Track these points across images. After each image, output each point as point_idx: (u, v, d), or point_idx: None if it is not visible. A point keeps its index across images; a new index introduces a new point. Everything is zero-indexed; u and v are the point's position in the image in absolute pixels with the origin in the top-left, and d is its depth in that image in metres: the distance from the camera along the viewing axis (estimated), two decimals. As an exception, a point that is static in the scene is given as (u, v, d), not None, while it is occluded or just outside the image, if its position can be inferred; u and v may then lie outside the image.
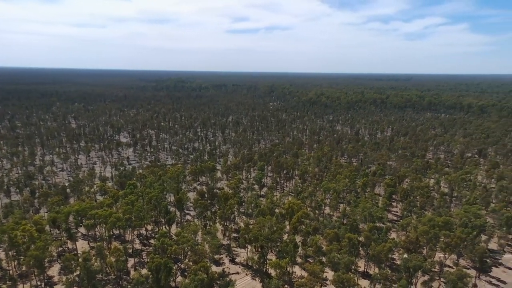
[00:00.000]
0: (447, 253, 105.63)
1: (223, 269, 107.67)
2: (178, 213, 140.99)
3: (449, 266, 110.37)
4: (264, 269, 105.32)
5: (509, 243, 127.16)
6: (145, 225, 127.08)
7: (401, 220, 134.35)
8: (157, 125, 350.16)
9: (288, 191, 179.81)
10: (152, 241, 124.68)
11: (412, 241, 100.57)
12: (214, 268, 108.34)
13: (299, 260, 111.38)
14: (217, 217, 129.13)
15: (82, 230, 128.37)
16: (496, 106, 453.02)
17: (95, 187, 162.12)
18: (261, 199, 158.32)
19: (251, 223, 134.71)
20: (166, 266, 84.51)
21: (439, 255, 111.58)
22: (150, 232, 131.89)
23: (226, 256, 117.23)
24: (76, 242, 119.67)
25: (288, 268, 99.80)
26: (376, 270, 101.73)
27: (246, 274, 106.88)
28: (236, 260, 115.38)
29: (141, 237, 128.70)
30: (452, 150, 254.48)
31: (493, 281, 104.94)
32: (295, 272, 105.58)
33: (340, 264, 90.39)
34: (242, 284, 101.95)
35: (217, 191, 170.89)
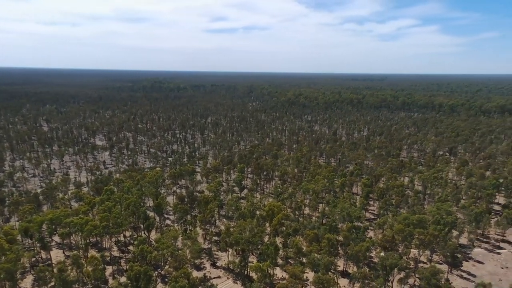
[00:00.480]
0: (421, 250, 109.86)
1: (204, 274, 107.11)
2: (157, 218, 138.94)
3: (424, 262, 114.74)
4: (246, 272, 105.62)
5: (478, 237, 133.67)
6: (123, 232, 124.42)
7: (378, 219, 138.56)
8: (134, 127, 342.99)
9: (268, 193, 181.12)
10: (131, 247, 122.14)
11: (389, 240, 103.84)
12: (195, 273, 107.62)
13: (280, 261, 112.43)
14: (198, 221, 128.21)
15: (57, 238, 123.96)
16: (465, 105, 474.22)
17: (69, 194, 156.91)
18: (242, 201, 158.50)
19: (232, 225, 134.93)
20: (146, 274, 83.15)
21: (414, 252, 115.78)
22: (128, 239, 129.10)
23: (207, 260, 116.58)
24: (50, 252, 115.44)
25: (269, 271, 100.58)
26: (355, 268, 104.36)
27: (227, 278, 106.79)
28: (218, 264, 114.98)
29: (119, 244, 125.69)
30: (425, 149, 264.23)
31: (464, 275, 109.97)
32: (276, 275, 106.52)
33: (320, 265, 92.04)
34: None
35: (197, 194, 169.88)
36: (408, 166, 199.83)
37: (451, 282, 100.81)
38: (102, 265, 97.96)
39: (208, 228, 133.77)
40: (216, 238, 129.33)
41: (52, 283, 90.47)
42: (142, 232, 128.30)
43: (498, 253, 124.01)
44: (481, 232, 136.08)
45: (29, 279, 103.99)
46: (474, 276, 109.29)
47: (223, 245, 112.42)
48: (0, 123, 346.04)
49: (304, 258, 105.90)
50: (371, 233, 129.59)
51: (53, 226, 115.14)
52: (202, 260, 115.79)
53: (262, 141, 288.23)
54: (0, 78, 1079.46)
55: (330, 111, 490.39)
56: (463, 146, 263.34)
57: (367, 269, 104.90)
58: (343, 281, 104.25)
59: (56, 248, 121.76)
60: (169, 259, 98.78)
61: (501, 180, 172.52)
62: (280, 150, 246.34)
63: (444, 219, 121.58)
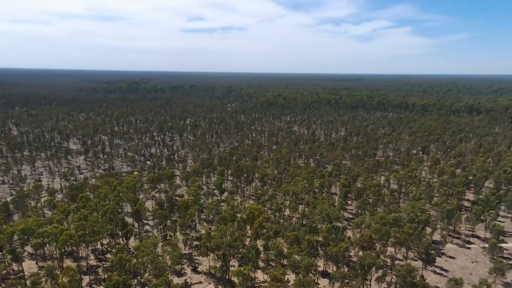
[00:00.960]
0: (397, 248, 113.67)
1: (185, 280, 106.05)
2: (136, 225, 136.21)
3: (400, 259, 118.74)
4: (227, 277, 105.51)
5: (450, 233, 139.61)
6: (101, 240, 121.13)
7: (356, 218, 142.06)
8: (110, 130, 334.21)
9: (249, 195, 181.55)
10: (108, 255, 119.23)
11: (366, 239, 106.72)
12: (175, 280, 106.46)
13: (261, 264, 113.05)
14: (178, 226, 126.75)
15: (29, 249, 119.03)
16: (436, 105, 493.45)
17: (42, 202, 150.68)
18: (222, 204, 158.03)
19: (213, 229, 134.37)
20: (125, 284, 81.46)
21: (390, 250, 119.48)
22: (106, 246, 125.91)
23: (188, 266, 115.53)
24: (23, 263, 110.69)
25: (250, 274, 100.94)
26: (335, 268, 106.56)
27: (209, 283, 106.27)
28: (199, 269, 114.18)
29: (96, 252, 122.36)
30: (399, 148, 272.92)
31: (437, 270, 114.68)
32: (257, 278, 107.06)
33: (301, 267, 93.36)
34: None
35: (177, 198, 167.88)
36: (384, 166, 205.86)
37: (426, 278, 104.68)
38: (79, 275, 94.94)
39: (188, 232, 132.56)
40: (196, 242, 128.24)
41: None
42: (120, 239, 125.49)
43: (469, 248, 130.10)
44: (453, 228, 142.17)
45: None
46: (446, 271, 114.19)
47: (204, 250, 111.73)
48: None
49: (285, 260, 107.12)
50: (349, 233, 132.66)
51: (25, 237, 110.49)
52: (183, 266, 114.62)
53: (242, 143, 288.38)
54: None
55: (308, 112, 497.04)
56: (435, 145, 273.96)
57: (347, 269, 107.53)
58: (323, 281, 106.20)
59: (29, 259, 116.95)
60: (149, 266, 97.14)
61: (470, 178, 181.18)
62: (260, 152, 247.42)
63: (418, 217, 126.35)
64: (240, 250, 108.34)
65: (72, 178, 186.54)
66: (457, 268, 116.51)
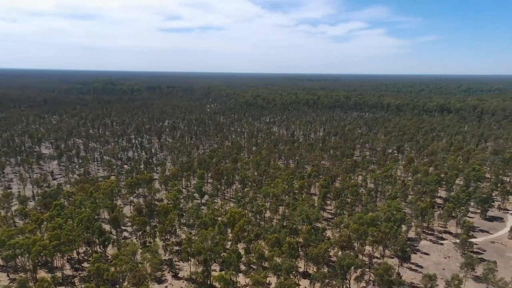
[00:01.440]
0: (375, 247, 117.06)
1: (166, 286, 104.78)
2: (114, 231, 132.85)
3: (377, 258, 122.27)
4: (209, 282, 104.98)
5: (424, 230, 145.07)
6: (77, 248, 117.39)
7: (335, 218, 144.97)
8: (85, 133, 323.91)
9: (229, 197, 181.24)
10: (85, 264, 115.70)
11: (345, 240, 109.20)
12: (156, 287, 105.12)
13: (243, 267, 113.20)
14: (157, 232, 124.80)
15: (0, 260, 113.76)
16: (410, 105, 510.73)
17: (13, 210, 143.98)
18: (203, 207, 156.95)
19: (193, 234, 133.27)
20: (103, 294, 79.39)
21: (368, 249, 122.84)
22: (82, 255, 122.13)
23: (169, 272, 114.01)
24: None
25: (232, 278, 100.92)
26: (315, 269, 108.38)
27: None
28: (179, 275, 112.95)
29: (72, 262, 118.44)
30: (376, 148, 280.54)
31: (413, 267, 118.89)
32: (239, 282, 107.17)
33: (282, 269, 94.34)
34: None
35: (156, 203, 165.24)
36: (361, 166, 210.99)
37: (402, 275, 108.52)
38: (54, 287, 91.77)
39: (168, 238, 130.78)
40: (177, 248, 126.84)
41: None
42: (97, 246, 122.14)
43: (441, 244, 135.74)
44: (427, 225, 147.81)
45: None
46: (421, 267, 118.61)
47: (185, 256, 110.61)
48: None
49: (266, 263, 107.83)
50: (329, 233, 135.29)
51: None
52: (163, 272, 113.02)
53: (222, 145, 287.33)
54: None
55: (287, 112, 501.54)
56: (409, 144, 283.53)
57: (327, 269, 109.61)
58: (304, 282, 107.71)
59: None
60: (128, 275, 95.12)
61: (442, 176, 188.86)
62: (240, 154, 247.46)
63: (394, 216, 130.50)
64: (222, 254, 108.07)
65: (45, 185, 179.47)
66: (431, 264, 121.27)
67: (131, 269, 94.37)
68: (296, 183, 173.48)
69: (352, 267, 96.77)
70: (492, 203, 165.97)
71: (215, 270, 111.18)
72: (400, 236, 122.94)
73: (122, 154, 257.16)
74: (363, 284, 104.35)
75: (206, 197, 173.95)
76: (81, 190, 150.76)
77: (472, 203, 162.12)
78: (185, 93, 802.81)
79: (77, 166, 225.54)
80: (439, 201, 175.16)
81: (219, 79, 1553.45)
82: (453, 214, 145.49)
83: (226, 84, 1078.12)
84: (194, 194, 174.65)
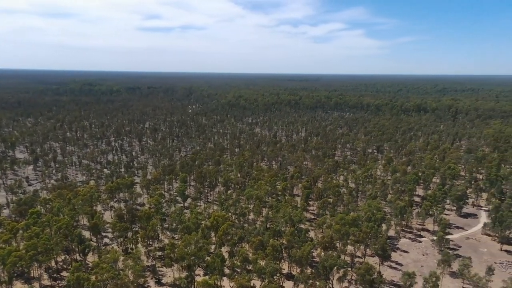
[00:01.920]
0: (356, 247, 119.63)
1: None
2: (94, 238, 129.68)
3: (359, 257, 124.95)
4: (193, 287, 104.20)
5: (403, 229, 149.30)
6: (55, 257, 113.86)
7: (318, 218, 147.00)
8: (62, 136, 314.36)
9: (212, 200, 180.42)
10: (64, 273, 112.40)
11: (328, 241, 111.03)
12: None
13: (227, 271, 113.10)
14: (139, 238, 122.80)
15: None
16: (388, 105, 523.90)
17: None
18: (186, 211, 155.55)
19: (176, 238, 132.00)
20: (84, 305, 77.48)
21: (350, 248, 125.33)
22: (61, 264, 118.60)
23: (151, 278, 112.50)
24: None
25: (216, 283, 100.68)
26: (299, 270, 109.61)
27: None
28: (163, 281, 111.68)
29: (50, 271, 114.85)
30: (356, 148, 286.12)
31: (393, 265, 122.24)
32: (223, 286, 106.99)
33: (266, 273, 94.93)
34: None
35: (138, 207, 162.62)
36: (342, 166, 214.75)
37: (382, 274, 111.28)
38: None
39: (150, 243, 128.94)
40: (160, 253, 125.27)
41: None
42: (77, 254, 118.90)
43: (420, 241, 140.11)
44: (405, 224, 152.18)
45: None
46: (401, 265, 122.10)
47: (168, 261, 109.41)
48: None
49: (250, 266, 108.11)
50: (312, 233, 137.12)
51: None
52: (146, 279, 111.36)
53: (204, 147, 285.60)
54: None
55: (269, 113, 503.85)
56: (388, 144, 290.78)
57: (310, 270, 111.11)
58: (288, 284, 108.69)
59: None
60: (110, 284, 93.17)
61: (419, 174, 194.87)
62: (223, 155, 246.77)
63: (374, 215, 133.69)
64: (205, 259, 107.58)
65: (20, 191, 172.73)
66: (410, 261, 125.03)
67: (113, 278, 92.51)
68: (279, 185, 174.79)
69: (335, 268, 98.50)
70: (467, 200, 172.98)
71: (199, 275, 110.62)
72: (381, 235, 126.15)
73: (102, 158, 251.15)
74: (345, 284, 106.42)
75: (189, 200, 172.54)
76: (59, 197, 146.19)
77: (448, 201, 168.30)
78: (166, 94, 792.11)
79: (54, 171, 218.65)
80: (417, 199, 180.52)
81: (201, 79, 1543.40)
82: (430, 212, 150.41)
83: (208, 84, 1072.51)
84: (177, 198, 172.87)
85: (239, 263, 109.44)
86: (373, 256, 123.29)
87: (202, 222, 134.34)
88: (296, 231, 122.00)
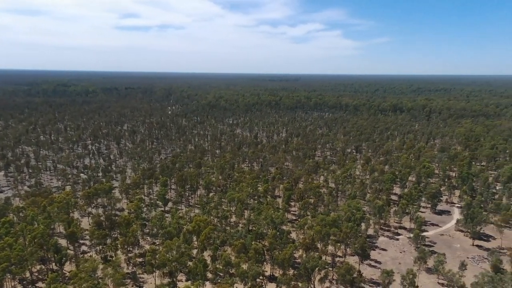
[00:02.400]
0: (337, 247, 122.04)
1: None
2: (71, 246, 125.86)
3: (340, 256, 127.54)
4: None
5: (381, 227, 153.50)
6: (30, 268, 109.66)
7: (299, 220, 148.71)
8: (35, 139, 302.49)
9: (194, 203, 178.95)
10: (40, 284, 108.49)
11: (309, 242, 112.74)
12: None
13: (209, 275, 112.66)
14: (119, 245, 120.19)
15: None
16: (366, 105, 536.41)
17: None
18: (167, 215, 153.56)
19: (157, 244, 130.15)
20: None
21: (331, 248, 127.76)
22: (36, 274, 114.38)
23: (132, 286, 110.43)
24: None
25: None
26: (281, 272, 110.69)
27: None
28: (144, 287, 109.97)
29: (24, 282, 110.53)
30: (336, 148, 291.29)
31: (372, 263, 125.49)
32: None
33: (249, 276, 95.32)
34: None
35: (117, 213, 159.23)
36: (322, 166, 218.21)
37: (362, 273, 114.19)
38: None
39: (131, 250, 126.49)
40: (140, 259, 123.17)
41: None
42: (53, 264, 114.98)
43: (397, 239, 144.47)
44: (384, 222, 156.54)
45: None
46: (380, 263, 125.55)
47: (149, 268, 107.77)
48: None
49: (233, 269, 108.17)
50: (293, 234, 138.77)
51: None
52: (127, 286, 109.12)
53: (184, 149, 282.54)
54: None
55: (250, 113, 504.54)
56: (366, 144, 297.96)
57: (292, 271, 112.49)
58: (271, 286, 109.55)
59: None
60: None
61: (396, 173, 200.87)
62: (204, 157, 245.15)
63: (354, 215, 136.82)
64: (188, 264, 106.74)
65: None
66: (388, 259, 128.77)
67: (92, 287, 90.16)
68: (260, 187, 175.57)
69: (316, 269, 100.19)
70: (441, 198, 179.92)
71: (181, 281, 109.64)
72: (360, 235, 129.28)
73: (78, 162, 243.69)
74: (327, 284, 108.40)
75: (170, 204, 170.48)
76: (33, 204, 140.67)
77: (423, 199, 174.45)
78: (144, 94, 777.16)
79: (27, 177, 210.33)
80: (394, 198, 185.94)
81: (180, 79, 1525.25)
82: (407, 211, 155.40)
83: (188, 84, 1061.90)
84: (157, 202, 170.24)
85: (221, 267, 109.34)
86: (353, 255, 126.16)
87: (184, 226, 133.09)
88: (278, 233, 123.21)
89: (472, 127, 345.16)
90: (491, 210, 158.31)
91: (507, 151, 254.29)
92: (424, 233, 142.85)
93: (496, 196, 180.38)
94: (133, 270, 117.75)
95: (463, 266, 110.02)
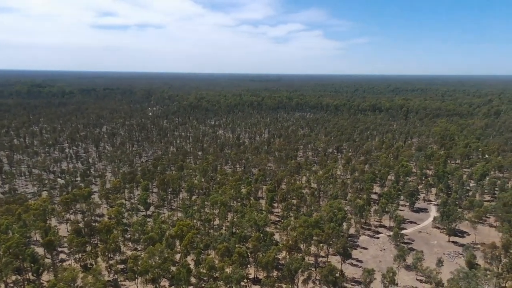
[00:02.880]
0: (319, 247, 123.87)
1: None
2: (49, 255, 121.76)
3: (322, 256, 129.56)
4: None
5: (362, 226, 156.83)
6: (5, 279, 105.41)
7: (283, 221, 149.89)
8: (9, 143, 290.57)
9: (176, 207, 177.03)
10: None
11: (292, 244, 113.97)
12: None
13: (193, 280, 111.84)
14: (99, 252, 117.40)
15: None
16: (346, 105, 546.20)
17: None
18: (149, 219, 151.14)
19: (139, 249, 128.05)
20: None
21: (313, 249, 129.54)
22: (11, 286, 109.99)
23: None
24: None
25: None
26: (265, 274, 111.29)
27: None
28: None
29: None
30: (317, 148, 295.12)
31: (354, 262, 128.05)
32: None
33: (233, 280, 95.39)
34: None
35: (97, 218, 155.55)
36: (304, 167, 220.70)
37: (344, 272, 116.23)
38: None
39: (112, 256, 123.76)
40: (122, 266, 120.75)
41: None
42: (30, 274, 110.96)
43: (378, 238, 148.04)
44: (364, 221, 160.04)
45: None
46: (361, 261, 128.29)
47: (131, 275, 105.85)
48: None
49: (217, 273, 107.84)
50: (277, 236, 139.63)
51: None
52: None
53: (166, 151, 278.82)
54: None
55: (232, 114, 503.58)
56: (347, 144, 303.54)
57: (276, 272, 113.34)
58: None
59: None
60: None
61: (376, 173, 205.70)
62: (186, 160, 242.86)
63: (336, 215, 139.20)
64: (171, 270, 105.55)
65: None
66: (369, 257, 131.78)
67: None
68: (244, 189, 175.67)
69: (300, 270, 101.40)
70: (418, 196, 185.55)
71: (164, 287, 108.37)
72: (342, 234, 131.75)
73: (55, 166, 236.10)
74: (310, 285, 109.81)
75: (152, 208, 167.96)
76: (7, 212, 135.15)
77: (402, 197, 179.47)
78: (124, 95, 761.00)
79: (0, 183, 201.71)
80: (374, 197, 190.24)
81: (161, 79, 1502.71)
82: (386, 209, 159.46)
83: (168, 85, 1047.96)
84: (139, 206, 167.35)
85: (205, 272, 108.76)
86: (336, 255, 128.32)
87: (167, 231, 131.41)
88: (262, 235, 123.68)
89: (447, 126, 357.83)
90: (465, 207, 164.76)
91: (480, 149, 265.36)
92: (403, 231, 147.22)
93: (470, 193, 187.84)
94: (114, 277, 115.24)
95: (440, 262, 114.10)
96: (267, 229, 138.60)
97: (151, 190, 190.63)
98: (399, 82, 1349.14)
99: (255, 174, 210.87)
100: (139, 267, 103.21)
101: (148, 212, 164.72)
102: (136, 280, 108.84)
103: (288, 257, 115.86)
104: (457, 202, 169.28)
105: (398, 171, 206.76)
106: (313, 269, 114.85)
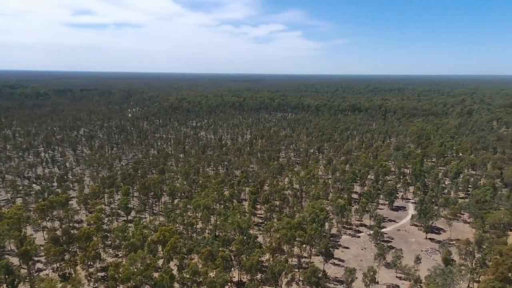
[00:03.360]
0: (302, 248, 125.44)
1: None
2: (25, 265, 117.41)
3: (305, 257, 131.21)
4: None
5: (344, 225, 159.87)
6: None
7: (266, 222, 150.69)
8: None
9: (158, 211, 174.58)
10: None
11: (275, 246, 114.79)
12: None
13: (176, 285, 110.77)
14: (78, 261, 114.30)
15: None
16: (327, 105, 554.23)
17: None
18: (130, 225, 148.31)
19: (120, 256, 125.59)
20: None
21: (296, 250, 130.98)
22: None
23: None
24: None
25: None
26: (249, 276, 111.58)
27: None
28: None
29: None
30: (299, 149, 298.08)
31: (336, 261, 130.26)
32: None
33: (216, 285, 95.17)
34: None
35: (76, 225, 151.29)
36: (286, 168, 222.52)
37: (327, 272, 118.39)
38: None
39: (92, 264, 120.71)
40: (102, 274, 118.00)
41: None
42: (5, 286, 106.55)
43: (359, 237, 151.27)
44: (346, 221, 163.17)
45: None
46: (343, 261, 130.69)
47: (112, 283, 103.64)
48: None
49: (200, 278, 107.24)
50: (260, 238, 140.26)
51: None
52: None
53: (147, 154, 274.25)
54: None
55: (214, 115, 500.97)
56: (328, 144, 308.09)
57: (260, 275, 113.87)
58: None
59: None
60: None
61: (356, 172, 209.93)
62: (167, 163, 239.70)
63: (318, 216, 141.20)
64: (153, 276, 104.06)
65: None
66: (351, 256, 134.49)
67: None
68: (226, 191, 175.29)
69: (283, 273, 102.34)
70: (397, 195, 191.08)
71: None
72: (324, 235, 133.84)
73: (29, 172, 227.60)
74: (294, 286, 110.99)
75: (133, 213, 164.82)
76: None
77: (381, 196, 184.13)
78: (102, 96, 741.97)
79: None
80: (355, 196, 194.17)
81: (140, 79, 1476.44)
82: (366, 208, 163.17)
83: (148, 85, 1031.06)
84: (119, 212, 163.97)
85: (188, 277, 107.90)
86: (318, 255, 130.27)
87: (149, 237, 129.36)
88: (245, 238, 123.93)
89: (423, 125, 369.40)
90: (441, 205, 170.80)
91: (454, 148, 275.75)
92: (383, 229, 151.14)
93: (446, 191, 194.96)
94: (95, 286, 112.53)
95: (418, 259, 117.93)
96: (251, 231, 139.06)
97: (131, 195, 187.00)
98: (378, 82, 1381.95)
99: (237, 176, 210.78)
100: (120, 275, 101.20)
101: (129, 218, 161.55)
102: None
103: (271, 259, 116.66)
104: (433, 200, 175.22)
105: (377, 171, 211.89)
106: (296, 270, 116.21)
